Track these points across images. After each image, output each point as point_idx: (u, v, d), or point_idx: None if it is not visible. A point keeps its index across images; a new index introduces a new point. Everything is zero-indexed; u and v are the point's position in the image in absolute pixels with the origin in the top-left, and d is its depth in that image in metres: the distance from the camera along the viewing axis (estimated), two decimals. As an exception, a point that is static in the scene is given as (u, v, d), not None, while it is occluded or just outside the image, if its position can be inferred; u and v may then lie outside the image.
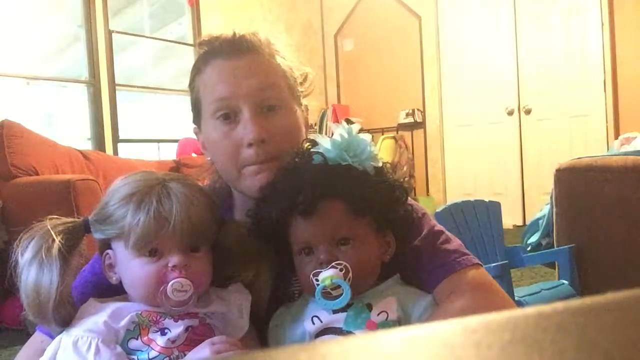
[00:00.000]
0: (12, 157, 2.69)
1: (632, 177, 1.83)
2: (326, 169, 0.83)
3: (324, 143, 0.84)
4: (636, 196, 1.82)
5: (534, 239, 3.07)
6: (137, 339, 0.74)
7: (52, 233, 0.77)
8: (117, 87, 4.34)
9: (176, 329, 0.75)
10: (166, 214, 0.75)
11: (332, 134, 0.86)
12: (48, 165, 2.85)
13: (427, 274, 0.85)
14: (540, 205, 3.43)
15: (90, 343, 0.73)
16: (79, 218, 0.82)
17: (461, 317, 0.26)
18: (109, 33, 4.29)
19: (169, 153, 4.46)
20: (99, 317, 0.75)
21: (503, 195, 4.60)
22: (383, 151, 5.02)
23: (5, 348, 2.25)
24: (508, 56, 4.98)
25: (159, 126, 4.75)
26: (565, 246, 1.90)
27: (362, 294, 0.82)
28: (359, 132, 0.85)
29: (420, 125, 5.46)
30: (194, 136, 1.00)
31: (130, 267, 0.78)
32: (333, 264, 0.79)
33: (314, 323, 0.81)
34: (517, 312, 0.27)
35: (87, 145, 4.14)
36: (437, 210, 1.88)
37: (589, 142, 4.53)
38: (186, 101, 0.98)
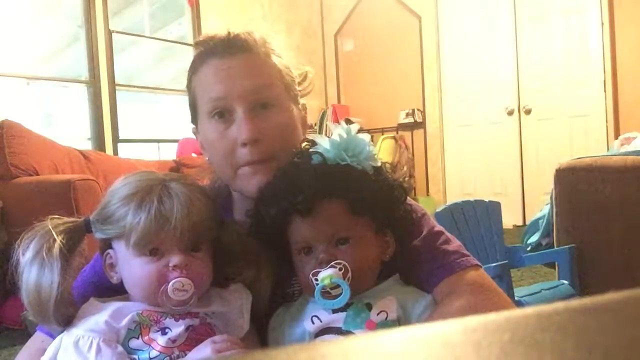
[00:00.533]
0: (12, 157, 2.69)
1: (632, 177, 1.83)
2: (325, 168, 0.83)
3: (323, 143, 0.84)
4: (636, 196, 1.82)
5: (534, 239, 3.07)
6: (137, 339, 0.74)
7: (53, 233, 0.77)
8: (117, 87, 4.34)
9: (177, 328, 0.75)
10: (167, 213, 0.75)
11: (331, 134, 0.86)
12: (48, 165, 2.85)
13: (427, 274, 0.85)
14: (540, 205, 3.43)
15: (91, 342, 0.73)
16: (79, 218, 0.82)
17: (460, 318, 0.26)
18: (109, 33, 4.29)
19: (169, 153, 4.46)
20: (100, 317, 0.75)
21: (503, 195, 4.60)
22: (383, 151, 5.03)
23: (5, 348, 2.25)
24: (508, 56, 4.98)
25: (159, 126, 4.75)
26: (565, 246, 1.90)
27: (362, 293, 0.82)
28: (357, 132, 0.85)
29: (420, 125, 5.46)
30: (193, 136, 1.00)
31: (131, 267, 0.78)
32: (332, 263, 0.79)
33: (313, 323, 0.81)
34: (517, 312, 0.27)
35: (87, 145, 4.14)
36: (437, 210, 1.88)
37: (589, 142, 4.53)
38: (186, 101, 0.99)
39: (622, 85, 4.47)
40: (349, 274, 0.78)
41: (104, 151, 4.09)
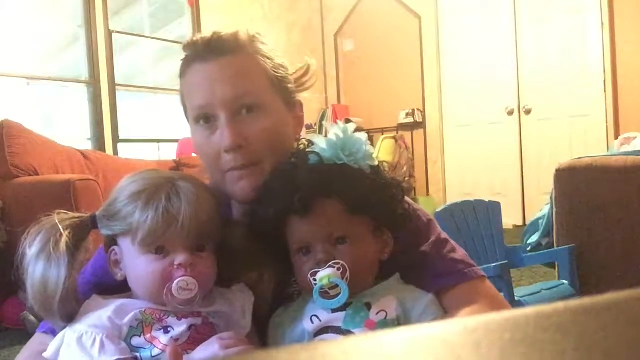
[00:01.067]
0: (12, 157, 2.69)
1: (632, 177, 1.83)
2: (322, 168, 0.83)
3: (320, 142, 0.84)
4: (636, 196, 1.82)
5: (534, 239, 3.07)
6: (139, 337, 0.74)
7: (60, 227, 0.77)
8: (117, 87, 4.34)
9: (179, 327, 0.75)
10: (175, 212, 0.76)
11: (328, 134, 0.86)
12: (48, 165, 2.85)
13: (432, 280, 0.85)
14: (540, 205, 3.43)
15: (94, 338, 0.73)
16: (86, 214, 0.82)
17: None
18: (109, 33, 4.29)
19: (169, 153, 4.46)
20: (103, 313, 0.76)
21: (503, 195, 4.60)
22: (383, 151, 5.02)
23: (5, 348, 2.25)
24: (508, 56, 4.98)
25: (159, 126, 4.75)
26: (565, 246, 1.90)
27: (362, 293, 0.82)
28: (354, 132, 0.85)
29: (420, 125, 5.46)
30: (192, 136, 1.00)
31: (136, 264, 0.78)
32: (330, 263, 0.79)
33: (313, 322, 0.81)
34: (517, 312, 0.27)
35: (87, 145, 4.15)
36: (437, 210, 1.88)
37: (589, 142, 4.53)
38: (186, 101, 0.99)
39: (622, 85, 4.47)
40: (347, 274, 0.78)
41: (104, 151, 4.09)
